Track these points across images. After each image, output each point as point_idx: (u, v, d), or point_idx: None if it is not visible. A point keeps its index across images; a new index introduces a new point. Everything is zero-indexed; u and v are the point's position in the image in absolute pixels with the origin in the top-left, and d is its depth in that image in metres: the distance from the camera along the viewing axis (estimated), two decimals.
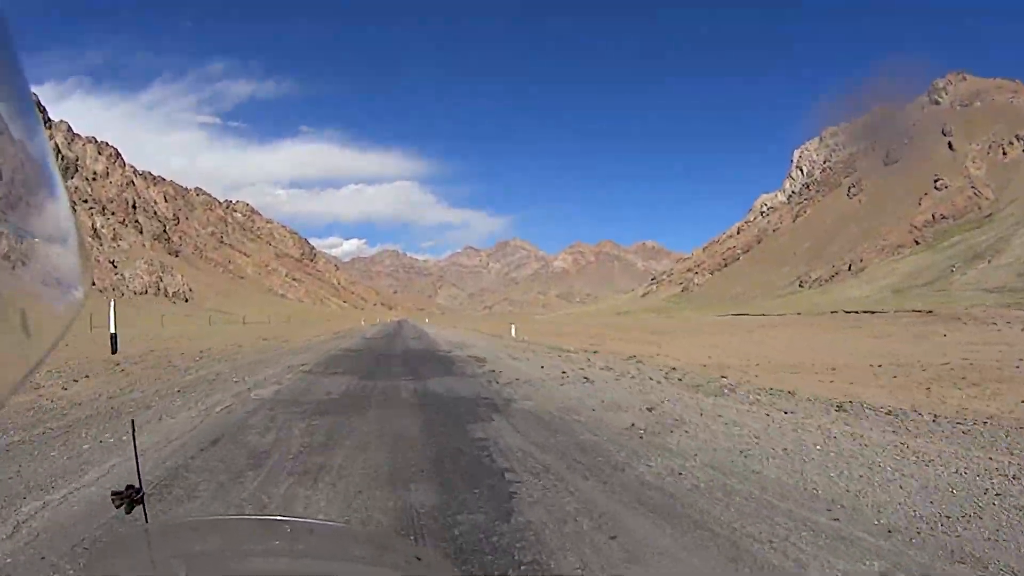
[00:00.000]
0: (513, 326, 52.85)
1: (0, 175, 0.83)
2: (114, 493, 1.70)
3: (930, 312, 71.40)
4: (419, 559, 1.30)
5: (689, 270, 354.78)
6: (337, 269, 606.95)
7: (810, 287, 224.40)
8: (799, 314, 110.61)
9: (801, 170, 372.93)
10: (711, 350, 31.09)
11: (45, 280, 0.91)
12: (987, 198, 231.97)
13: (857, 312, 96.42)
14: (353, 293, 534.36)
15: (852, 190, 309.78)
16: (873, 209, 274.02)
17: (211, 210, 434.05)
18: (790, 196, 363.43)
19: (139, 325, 77.10)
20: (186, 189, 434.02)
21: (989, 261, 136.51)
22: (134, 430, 2.05)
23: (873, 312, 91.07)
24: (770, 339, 43.43)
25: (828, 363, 21.64)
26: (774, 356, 26.46)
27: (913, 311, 78.25)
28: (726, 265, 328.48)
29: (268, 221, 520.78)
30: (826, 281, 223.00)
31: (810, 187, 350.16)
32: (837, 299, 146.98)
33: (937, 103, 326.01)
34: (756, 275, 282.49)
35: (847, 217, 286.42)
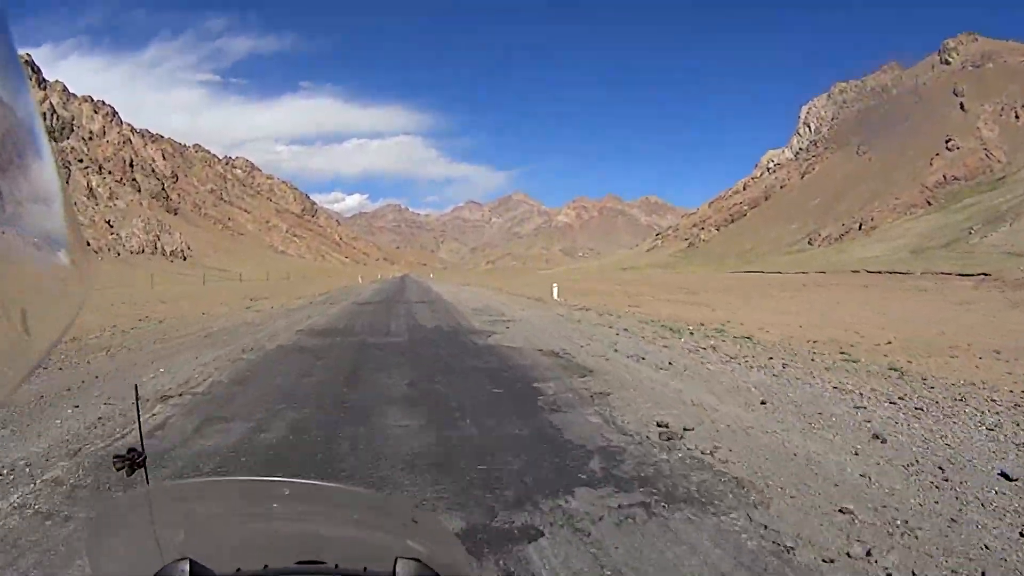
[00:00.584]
0: (555, 286, 43.23)
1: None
2: (116, 456, 1.74)
3: (987, 275, 67.72)
4: (415, 522, 1.50)
5: (695, 225, 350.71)
6: (339, 225, 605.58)
7: (819, 245, 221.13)
8: (823, 273, 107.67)
9: (809, 126, 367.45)
10: (786, 317, 27.18)
11: (45, 278, 0.90)
12: (999, 161, 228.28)
13: (882, 272, 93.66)
14: (355, 248, 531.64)
15: (861, 148, 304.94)
16: (883, 168, 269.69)
17: (210, 167, 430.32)
18: (797, 152, 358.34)
19: (129, 285, 74.75)
20: (184, 146, 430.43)
21: (1011, 224, 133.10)
22: (137, 394, 2.08)
23: (905, 273, 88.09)
24: (836, 303, 38.89)
25: (978, 342, 17.12)
26: (877, 326, 22.42)
27: (961, 275, 74.78)
28: (733, 221, 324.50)
29: (268, 177, 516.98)
30: (836, 239, 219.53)
31: (818, 144, 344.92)
32: (853, 258, 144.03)
33: (947, 63, 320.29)
34: (764, 232, 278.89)
35: (856, 175, 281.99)
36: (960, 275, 73.82)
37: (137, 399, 2.05)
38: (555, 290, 41.37)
